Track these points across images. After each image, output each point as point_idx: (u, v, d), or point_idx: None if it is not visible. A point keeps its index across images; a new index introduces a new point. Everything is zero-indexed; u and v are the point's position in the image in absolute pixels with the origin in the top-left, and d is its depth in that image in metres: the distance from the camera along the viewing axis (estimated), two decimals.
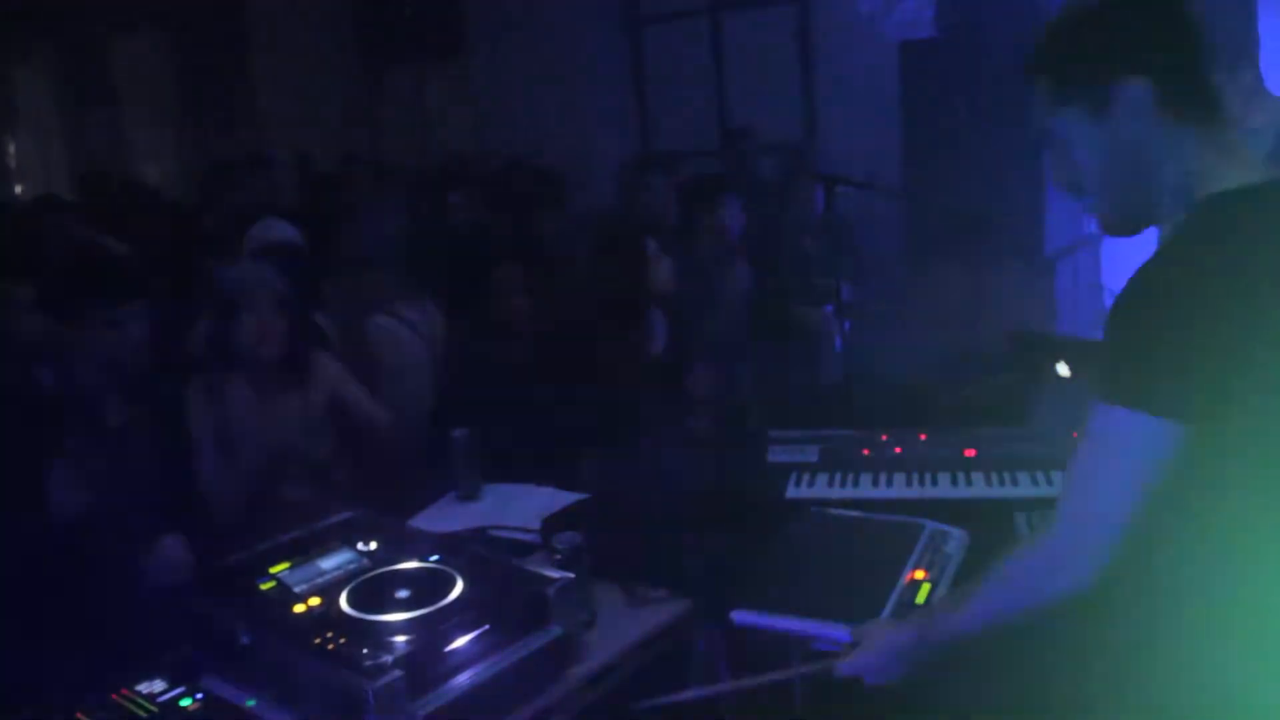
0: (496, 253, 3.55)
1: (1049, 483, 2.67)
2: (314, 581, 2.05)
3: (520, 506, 2.73)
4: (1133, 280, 1.49)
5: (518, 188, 5.55)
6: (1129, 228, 1.67)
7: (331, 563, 2.12)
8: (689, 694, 2.01)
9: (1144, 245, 1.64)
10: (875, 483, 2.78)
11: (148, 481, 2.81)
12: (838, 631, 1.98)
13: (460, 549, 2.18)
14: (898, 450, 2.86)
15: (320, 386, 3.23)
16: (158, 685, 1.91)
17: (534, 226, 4.91)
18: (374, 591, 2.00)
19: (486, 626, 1.90)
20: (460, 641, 1.87)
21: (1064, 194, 1.70)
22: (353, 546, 2.18)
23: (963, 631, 1.73)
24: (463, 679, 1.83)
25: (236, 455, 3.01)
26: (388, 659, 1.76)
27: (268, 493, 3.05)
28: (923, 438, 2.88)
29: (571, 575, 2.04)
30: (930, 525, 2.37)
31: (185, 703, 1.87)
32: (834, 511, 2.55)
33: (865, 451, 2.87)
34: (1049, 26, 1.66)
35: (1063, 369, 3.22)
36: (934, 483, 2.75)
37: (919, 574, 2.18)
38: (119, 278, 2.88)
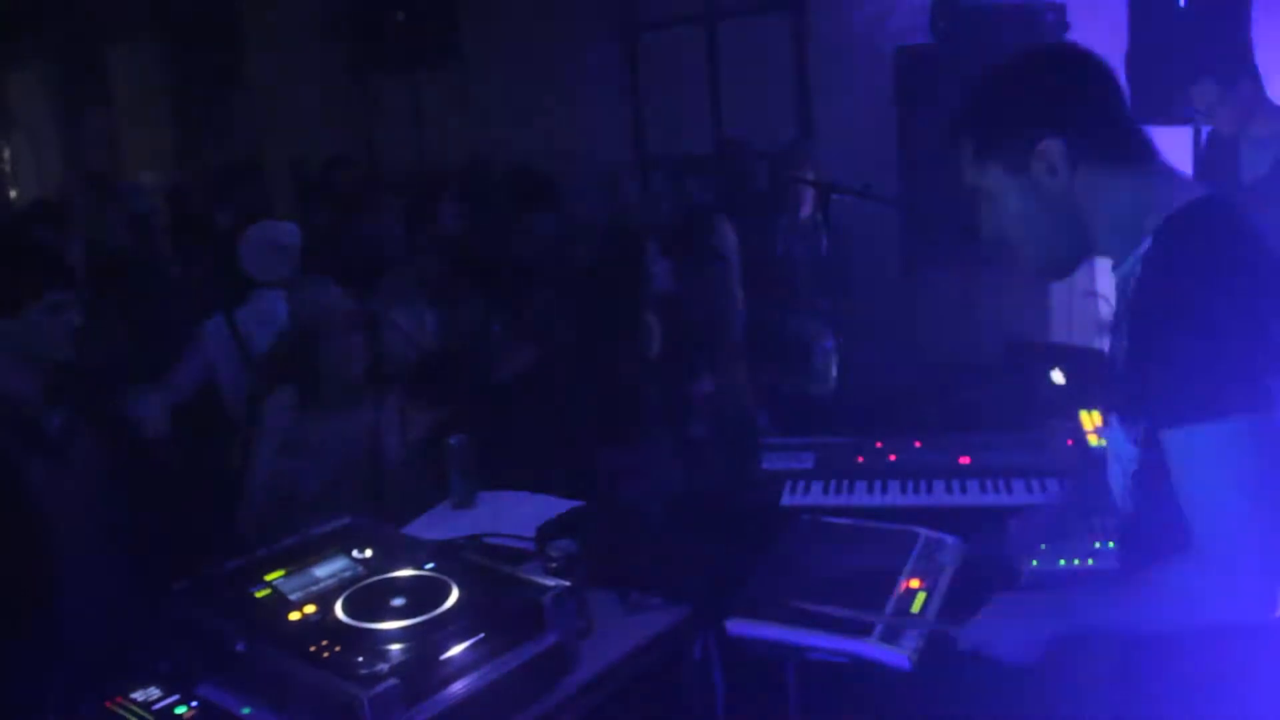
0: (492, 260, 3.55)
1: (1043, 490, 2.68)
2: (309, 589, 2.05)
3: (515, 514, 2.72)
4: (1151, 303, 1.52)
5: (517, 191, 5.57)
6: (1061, 272, 1.74)
7: (327, 570, 2.11)
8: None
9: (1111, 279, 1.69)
10: (870, 490, 2.79)
11: (91, 492, 2.78)
12: (832, 641, 1.99)
13: (455, 557, 2.18)
14: (892, 458, 2.87)
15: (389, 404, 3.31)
16: (152, 693, 1.91)
17: (531, 231, 4.91)
18: (369, 599, 2.00)
19: (482, 634, 1.90)
20: (455, 650, 1.86)
21: (994, 245, 1.74)
22: (348, 554, 2.18)
23: (1110, 630, 1.69)
24: (458, 687, 1.83)
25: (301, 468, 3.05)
26: (383, 667, 1.76)
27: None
28: (918, 445, 2.89)
29: (567, 583, 2.04)
30: (925, 533, 2.37)
31: (180, 711, 1.87)
32: (828, 519, 2.55)
33: (860, 459, 2.88)
34: (972, 88, 1.72)
35: (1058, 376, 3.23)
36: (929, 490, 2.75)
37: (914, 583, 2.18)
38: (42, 264, 2.81)
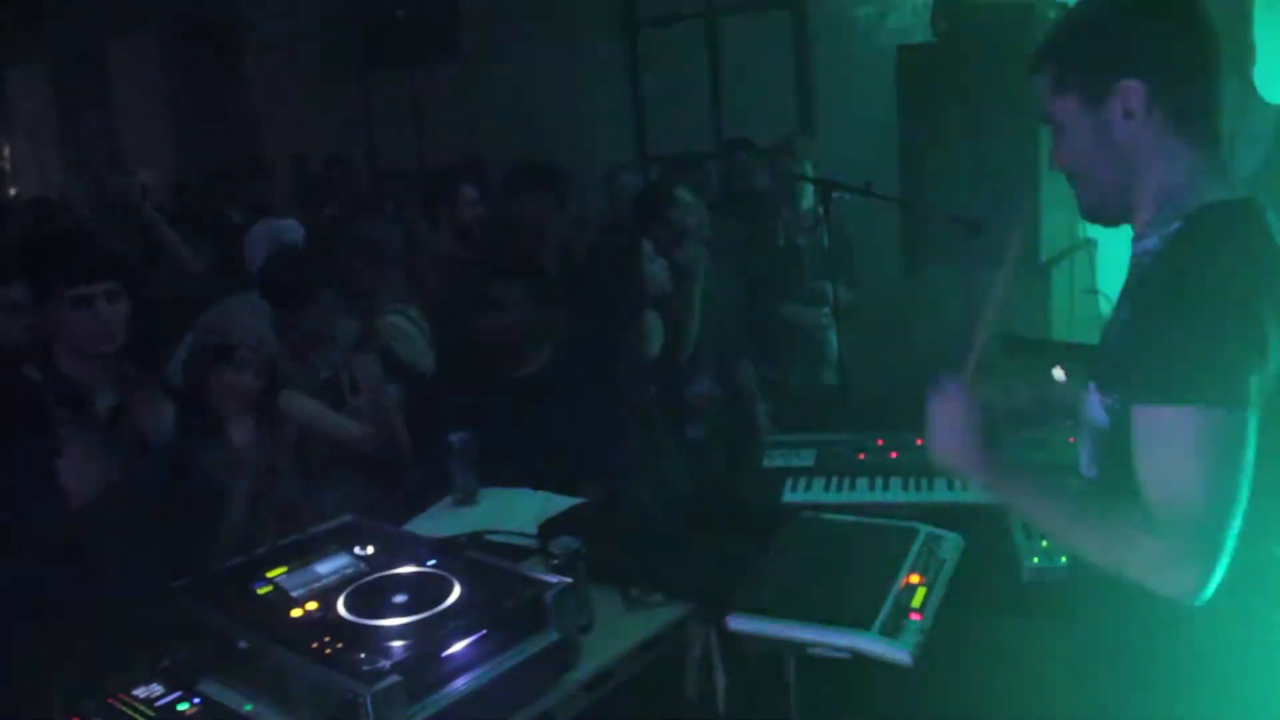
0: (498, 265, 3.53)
1: None
2: (311, 586, 2.05)
3: (517, 511, 2.73)
4: (1157, 284, 1.53)
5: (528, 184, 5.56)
6: (1107, 217, 1.72)
7: (328, 567, 2.12)
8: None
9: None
10: (871, 487, 2.79)
11: (128, 475, 2.79)
12: (833, 636, 1.99)
13: (457, 553, 2.18)
14: (894, 455, 2.87)
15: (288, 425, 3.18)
16: (155, 690, 1.91)
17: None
18: (371, 596, 2.00)
19: (484, 631, 1.90)
20: (458, 646, 1.87)
21: (1058, 173, 1.73)
22: (350, 551, 2.18)
23: (1039, 523, 1.75)
24: (460, 684, 1.84)
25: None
26: (385, 664, 1.76)
27: None
28: (919, 442, 2.86)
29: (569, 580, 2.05)
30: (925, 530, 2.37)
31: (182, 707, 1.87)
32: (829, 516, 2.55)
33: (861, 456, 2.88)
34: (1065, 15, 1.71)
35: (1058, 374, 3.22)
36: (930, 487, 2.75)
37: (914, 578, 2.18)
38: (88, 254, 2.85)
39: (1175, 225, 1.56)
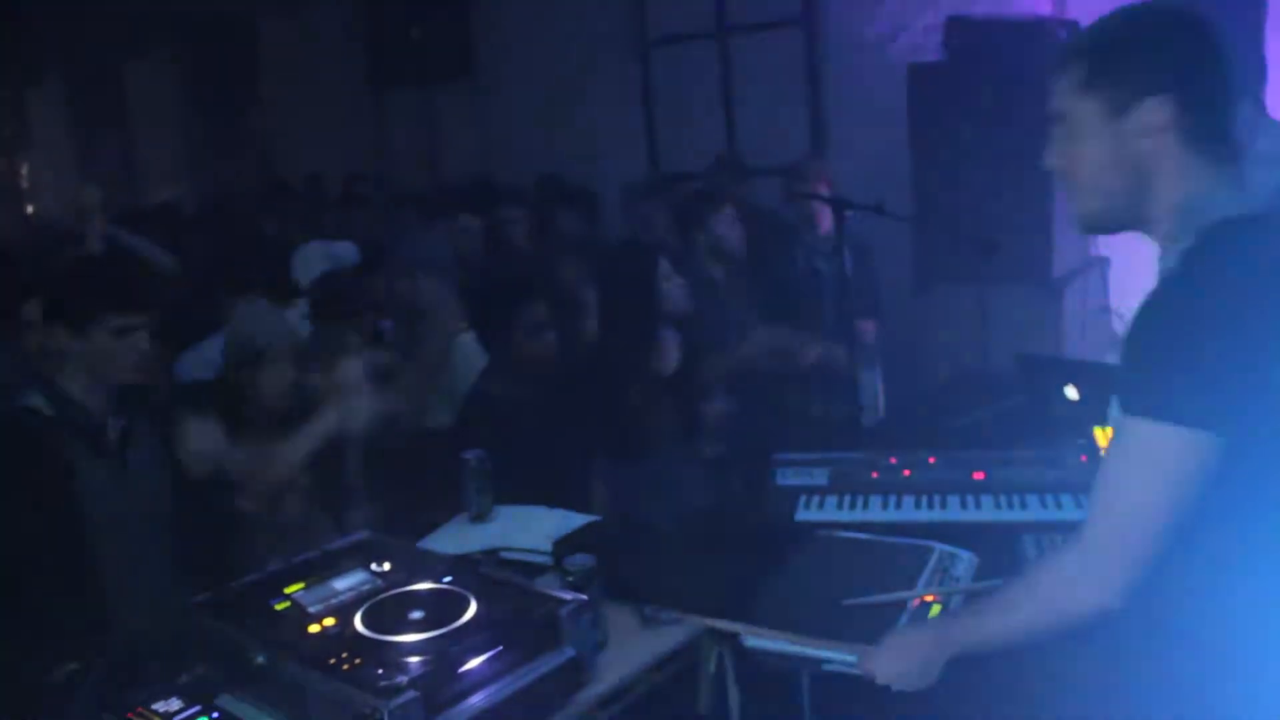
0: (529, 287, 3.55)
1: (1058, 506, 2.68)
2: (329, 602, 2.07)
3: (532, 528, 2.74)
4: (1154, 297, 1.54)
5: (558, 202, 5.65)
6: (1105, 227, 1.73)
7: (346, 583, 2.14)
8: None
9: (1154, 269, 1.68)
10: (884, 505, 2.79)
11: (152, 497, 2.81)
12: (847, 654, 2.00)
13: (473, 570, 2.19)
14: (906, 473, 2.87)
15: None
16: (174, 704, 1.92)
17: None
18: (388, 612, 2.01)
19: (500, 648, 1.91)
20: (474, 662, 1.88)
21: (1055, 174, 1.74)
22: (366, 567, 2.20)
23: (984, 640, 1.75)
24: (476, 700, 1.84)
25: None
26: (402, 679, 1.78)
27: None
28: (932, 461, 2.89)
29: (584, 597, 2.06)
30: (939, 548, 2.38)
31: None
32: (842, 534, 2.56)
33: (874, 474, 2.88)
34: (1101, 21, 1.71)
35: (1071, 392, 3.23)
36: (943, 505, 2.75)
37: (928, 597, 2.19)
38: (130, 285, 2.85)
39: (1191, 242, 1.57)
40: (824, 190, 4.94)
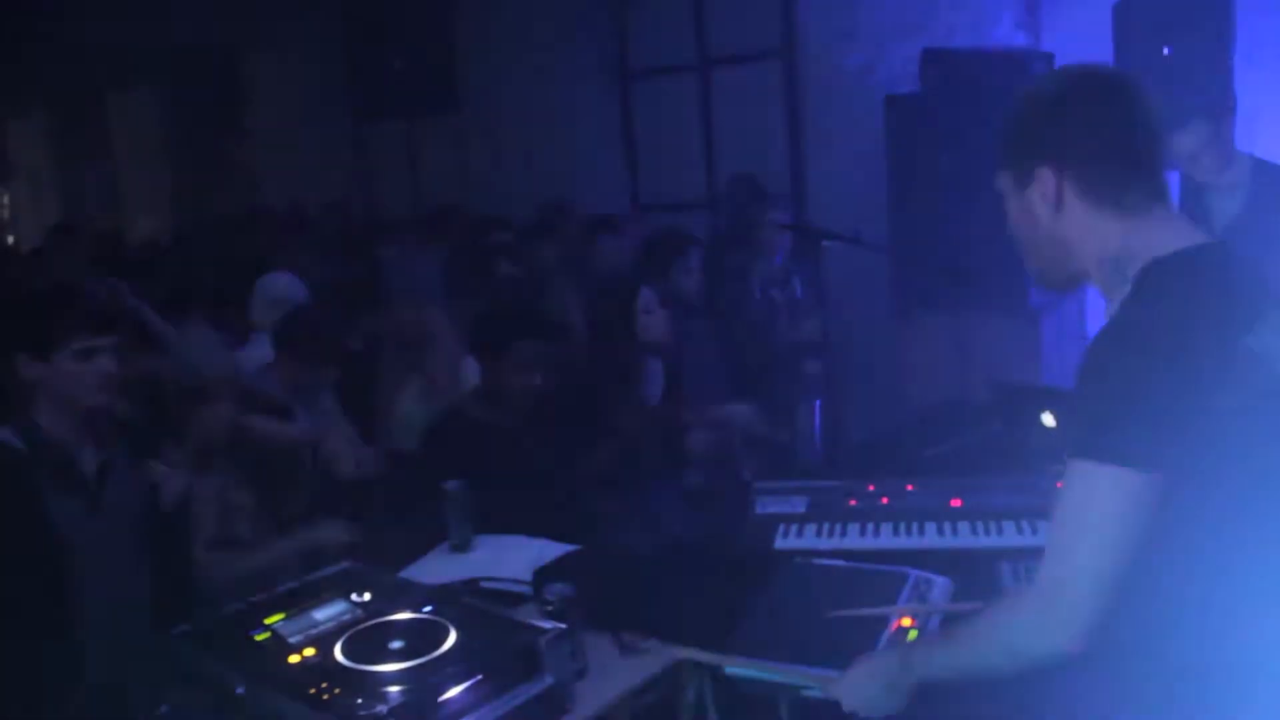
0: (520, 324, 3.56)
1: (1034, 532, 2.70)
2: (309, 632, 2.08)
3: (513, 558, 2.75)
4: (1094, 344, 1.58)
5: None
6: (1057, 285, 1.81)
7: (326, 614, 2.14)
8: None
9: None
10: (863, 533, 2.81)
11: (120, 533, 2.79)
12: (824, 680, 2.01)
13: (453, 600, 2.21)
14: (884, 500, 2.89)
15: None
16: None
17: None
18: (368, 642, 2.02)
19: (479, 677, 1.92)
20: (453, 692, 1.89)
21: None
22: (347, 597, 2.21)
23: (944, 673, 1.77)
24: None
25: None
26: (382, 709, 1.79)
27: None
28: (909, 488, 2.91)
29: (563, 626, 2.07)
30: (914, 573, 2.40)
31: None
32: (820, 561, 2.58)
33: (853, 502, 2.90)
34: (1015, 96, 1.77)
35: (1048, 419, 3.26)
36: (921, 532, 2.78)
37: (905, 621, 2.21)
38: (91, 308, 2.84)
39: (1128, 289, 1.61)
40: (783, 220, 5.02)
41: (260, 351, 4.18)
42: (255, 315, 4.65)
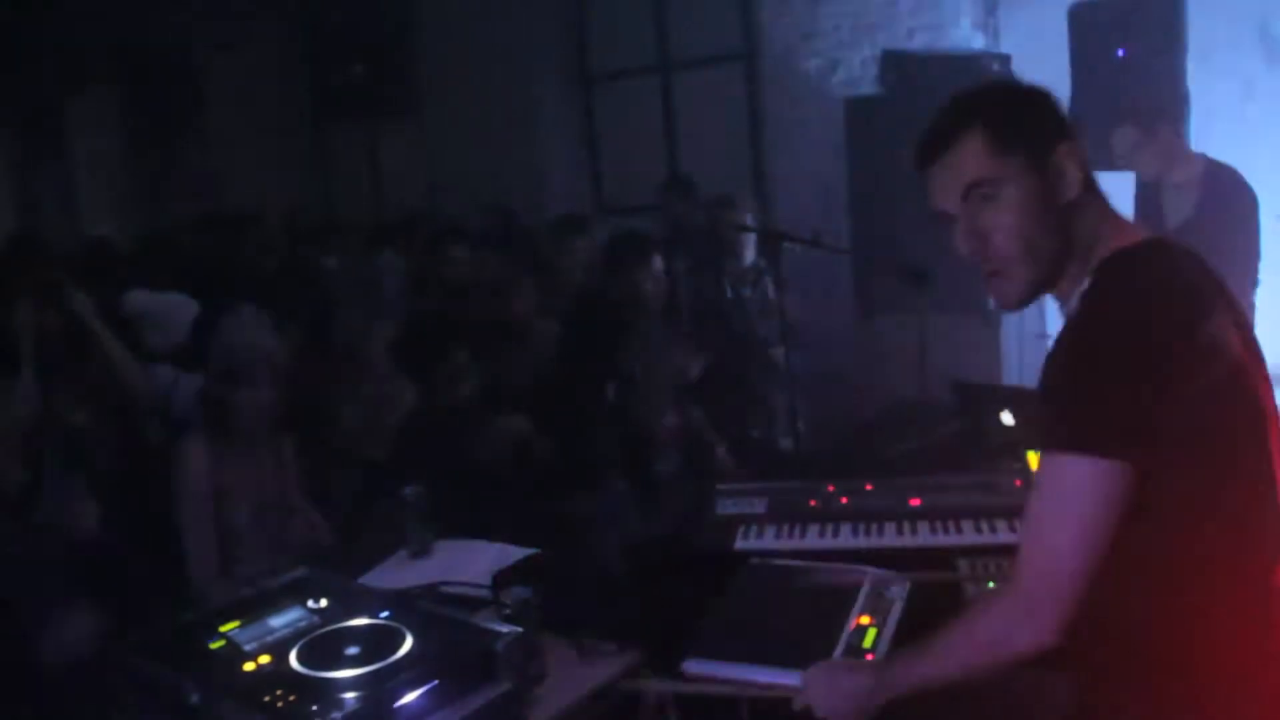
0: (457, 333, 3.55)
1: (992, 531, 2.72)
2: (264, 639, 2.05)
3: (472, 562, 2.73)
4: (1058, 341, 1.59)
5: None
6: (1037, 291, 1.73)
7: (282, 620, 2.12)
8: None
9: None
10: (822, 533, 2.81)
11: (56, 550, 2.76)
12: (788, 678, 2.02)
13: (410, 605, 2.19)
14: (844, 501, 2.90)
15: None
16: None
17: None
18: (324, 648, 2.00)
19: (436, 682, 1.91)
20: (410, 697, 1.87)
21: (972, 259, 1.74)
22: (303, 604, 2.19)
23: (924, 681, 1.76)
24: None
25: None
26: (338, 715, 1.77)
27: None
28: (869, 488, 2.92)
29: (520, 629, 2.06)
30: (873, 572, 2.41)
31: None
32: (779, 561, 2.59)
33: (813, 503, 2.91)
34: (981, 89, 1.80)
35: (1007, 418, 3.28)
36: (880, 533, 2.78)
37: (864, 619, 2.22)
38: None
39: (1087, 282, 1.62)
40: (749, 220, 5.05)
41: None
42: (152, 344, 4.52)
